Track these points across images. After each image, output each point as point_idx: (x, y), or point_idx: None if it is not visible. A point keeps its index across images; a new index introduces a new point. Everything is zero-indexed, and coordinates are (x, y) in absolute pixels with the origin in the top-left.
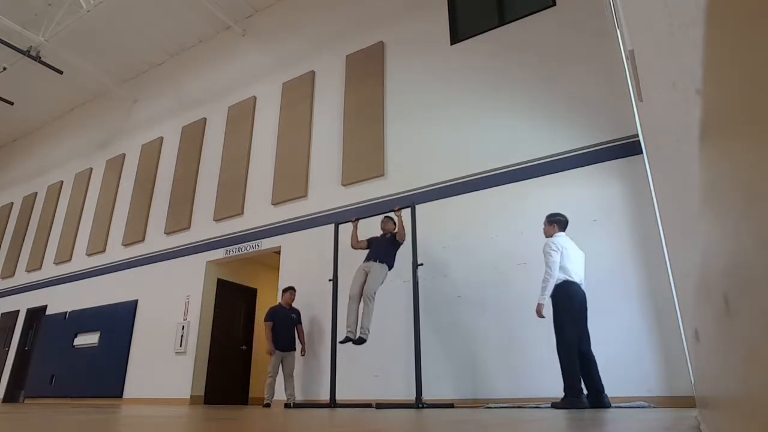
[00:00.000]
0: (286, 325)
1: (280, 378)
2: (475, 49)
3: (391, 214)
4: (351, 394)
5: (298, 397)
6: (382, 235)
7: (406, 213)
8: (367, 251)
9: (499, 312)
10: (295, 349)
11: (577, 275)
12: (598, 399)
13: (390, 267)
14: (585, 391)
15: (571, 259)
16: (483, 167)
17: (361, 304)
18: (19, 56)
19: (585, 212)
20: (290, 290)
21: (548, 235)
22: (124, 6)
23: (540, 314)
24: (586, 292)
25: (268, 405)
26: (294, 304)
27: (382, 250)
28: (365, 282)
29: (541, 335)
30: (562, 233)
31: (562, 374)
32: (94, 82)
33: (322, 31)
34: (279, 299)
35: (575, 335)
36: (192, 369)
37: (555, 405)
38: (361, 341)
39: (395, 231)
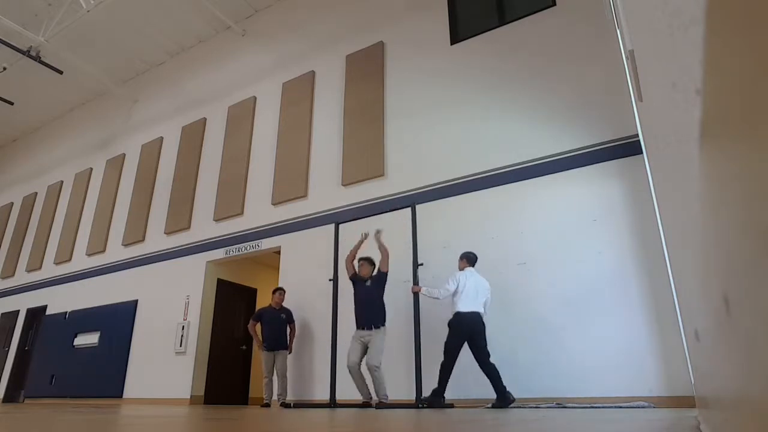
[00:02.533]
0: (275, 325)
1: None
2: (475, 49)
3: (373, 238)
4: (351, 394)
5: (298, 397)
6: (364, 282)
7: (406, 213)
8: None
9: (498, 312)
10: (285, 349)
11: (468, 306)
12: (503, 398)
13: (385, 323)
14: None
15: (466, 294)
16: (483, 167)
17: (365, 372)
18: (19, 56)
19: (585, 212)
20: (279, 291)
21: (460, 268)
22: (123, 6)
23: (413, 291)
24: (581, 293)
25: (267, 405)
26: (294, 304)
27: (373, 305)
28: (366, 353)
29: (541, 335)
30: (470, 268)
31: (440, 378)
32: (94, 82)
33: (322, 31)
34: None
35: (456, 356)
36: (192, 369)
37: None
38: (383, 406)
39: (374, 274)
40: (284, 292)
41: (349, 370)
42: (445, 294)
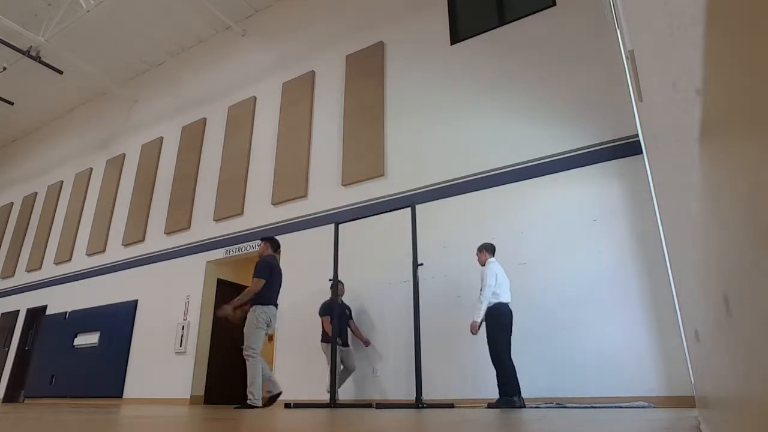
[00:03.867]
0: (341, 319)
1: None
2: (475, 49)
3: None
4: (351, 394)
5: (297, 397)
6: None
7: (405, 213)
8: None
9: None
10: (348, 345)
11: (506, 297)
12: (505, 401)
13: (263, 303)
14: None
15: (502, 284)
16: (483, 167)
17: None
18: (19, 56)
19: (585, 212)
20: (340, 283)
21: (481, 261)
22: (123, 6)
23: (475, 331)
24: (581, 293)
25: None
26: (293, 304)
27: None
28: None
29: (541, 335)
30: (492, 258)
31: (499, 378)
32: (94, 82)
33: (322, 31)
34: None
35: (508, 345)
36: (192, 369)
37: (490, 405)
38: (245, 405)
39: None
40: (343, 285)
41: None
42: (489, 294)
